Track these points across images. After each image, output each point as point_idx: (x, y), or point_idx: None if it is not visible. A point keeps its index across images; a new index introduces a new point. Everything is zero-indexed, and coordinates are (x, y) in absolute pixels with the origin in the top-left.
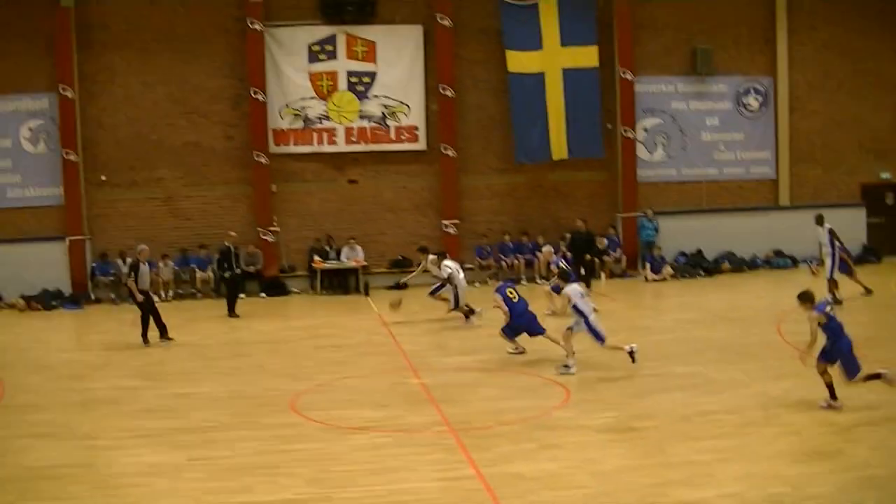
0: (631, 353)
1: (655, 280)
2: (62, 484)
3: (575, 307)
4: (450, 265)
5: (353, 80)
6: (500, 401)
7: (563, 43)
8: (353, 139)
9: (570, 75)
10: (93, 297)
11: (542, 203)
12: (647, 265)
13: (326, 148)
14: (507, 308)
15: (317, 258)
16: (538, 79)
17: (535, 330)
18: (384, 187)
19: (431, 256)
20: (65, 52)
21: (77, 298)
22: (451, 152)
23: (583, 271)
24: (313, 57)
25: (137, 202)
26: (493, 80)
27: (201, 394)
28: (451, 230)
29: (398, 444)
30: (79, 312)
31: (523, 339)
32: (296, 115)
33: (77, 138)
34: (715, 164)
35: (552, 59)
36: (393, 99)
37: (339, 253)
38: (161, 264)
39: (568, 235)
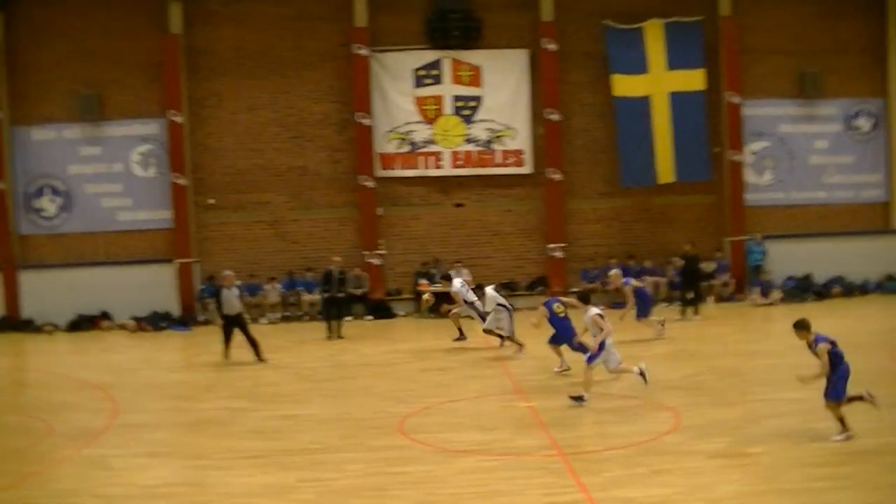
0: (641, 374)
1: (764, 304)
2: (175, 503)
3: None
4: (492, 294)
5: (459, 104)
6: (610, 425)
7: (670, 67)
8: (459, 163)
9: (677, 99)
10: (200, 318)
11: (648, 227)
12: (756, 289)
13: (432, 172)
14: (548, 322)
15: (422, 281)
16: (644, 102)
17: (576, 348)
18: (490, 211)
19: (456, 282)
20: (173, 78)
21: (185, 320)
22: (557, 176)
23: (690, 295)
24: (419, 81)
25: (245, 225)
26: (599, 104)
27: (308, 415)
28: (557, 254)
29: (506, 467)
30: (187, 334)
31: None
32: (402, 139)
33: (186, 162)
34: (824, 188)
35: (658, 82)
36: (499, 123)
37: (444, 276)
38: (268, 287)
39: (677, 259)
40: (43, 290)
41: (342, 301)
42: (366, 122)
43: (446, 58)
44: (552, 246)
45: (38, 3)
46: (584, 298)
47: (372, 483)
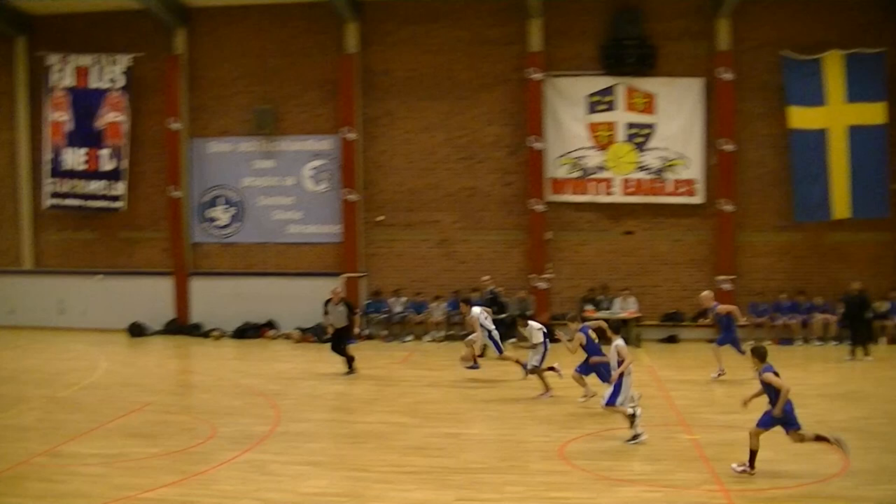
0: (632, 415)
1: None
2: None
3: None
4: (536, 326)
5: (632, 131)
6: (776, 463)
7: (849, 99)
8: (630, 190)
9: (856, 132)
10: (365, 333)
11: (820, 262)
12: None
13: (602, 198)
14: (582, 349)
15: (589, 307)
16: (820, 135)
17: (605, 377)
18: (659, 240)
19: (475, 309)
20: (348, 97)
21: None
22: (729, 207)
23: (856, 334)
24: (592, 107)
25: (413, 243)
26: (774, 136)
27: (470, 435)
28: (726, 286)
29: (667, 499)
30: (351, 347)
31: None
32: (573, 164)
33: (357, 179)
34: None
35: (836, 115)
36: (672, 151)
37: (612, 303)
38: (433, 305)
39: (849, 299)
40: (212, 297)
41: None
42: (538, 146)
43: (620, 84)
44: (721, 278)
45: (220, 20)
46: (615, 328)
47: None
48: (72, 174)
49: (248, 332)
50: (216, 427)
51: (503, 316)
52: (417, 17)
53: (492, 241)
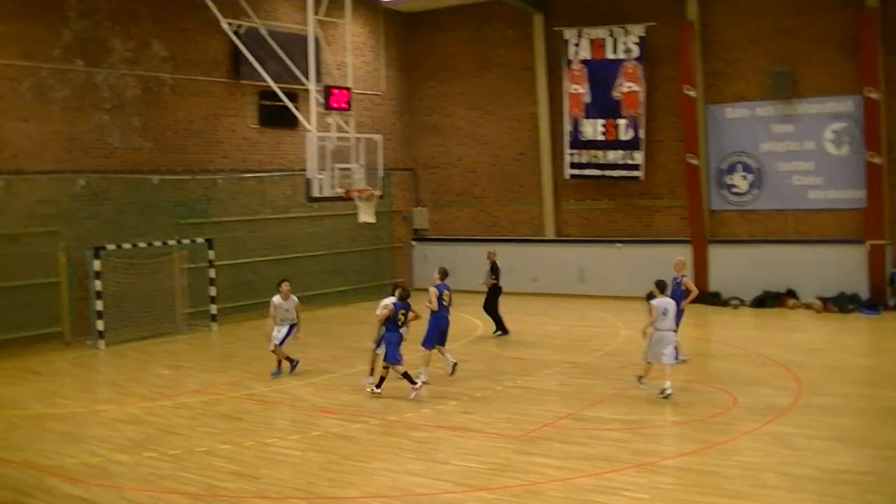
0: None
1: None
2: (858, 491)
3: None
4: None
5: None
6: None
7: None
8: None
9: None
10: (891, 303)
11: None
12: None
13: None
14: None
15: None
16: None
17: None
18: None
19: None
20: (870, 54)
21: (874, 304)
22: None
23: None
24: None
25: None
26: None
27: None
28: None
29: None
30: (875, 318)
31: None
32: None
33: (881, 141)
34: None
35: None
36: None
37: None
38: None
39: None
40: (730, 265)
41: None
42: None
43: None
44: None
45: None
46: (660, 286)
47: None
48: (591, 144)
49: (768, 301)
50: (737, 397)
51: None
52: None
53: None
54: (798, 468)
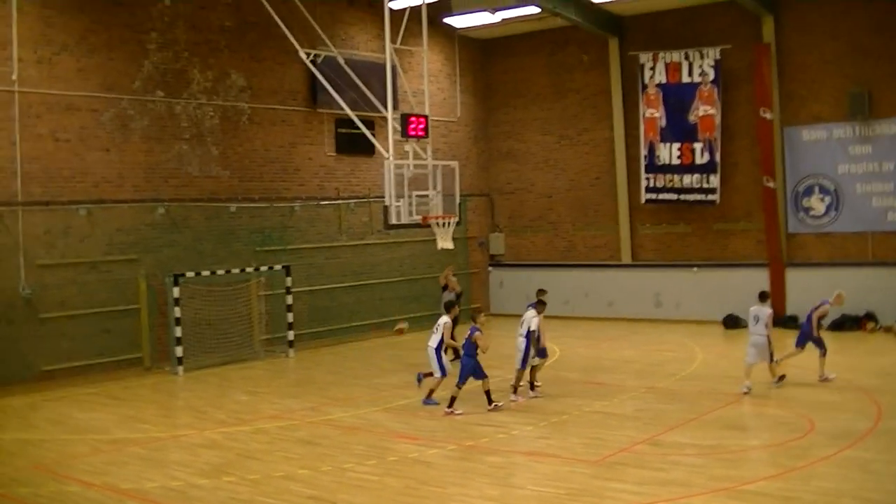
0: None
1: None
2: None
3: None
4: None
5: None
6: None
7: None
8: None
9: None
10: None
11: None
12: None
13: None
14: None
15: None
16: None
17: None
18: None
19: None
20: None
21: None
22: None
23: None
24: None
25: None
26: None
27: None
28: None
29: None
30: None
31: None
32: None
33: None
34: None
35: None
36: None
37: None
38: None
39: None
40: (808, 288)
41: None
42: None
43: None
44: None
45: (807, 5)
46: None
47: None
48: (667, 168)
49: (846, 324)
50: (814, 421)
51: None
52: None
53: None
54: (876, 493)
